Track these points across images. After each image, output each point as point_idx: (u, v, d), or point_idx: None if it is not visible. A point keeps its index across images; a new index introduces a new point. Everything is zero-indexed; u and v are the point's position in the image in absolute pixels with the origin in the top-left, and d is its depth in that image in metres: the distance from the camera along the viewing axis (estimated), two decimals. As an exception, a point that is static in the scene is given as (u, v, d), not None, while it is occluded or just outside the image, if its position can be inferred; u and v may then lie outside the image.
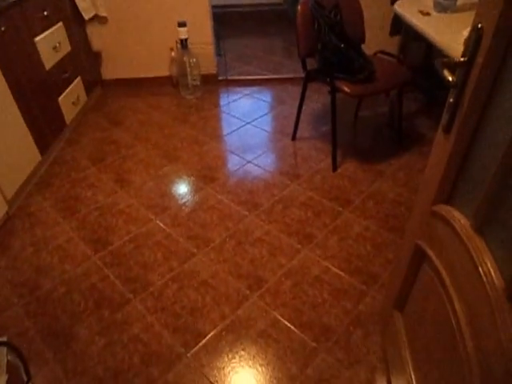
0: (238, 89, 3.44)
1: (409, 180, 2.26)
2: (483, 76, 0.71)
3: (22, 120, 2.19)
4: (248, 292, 1.64)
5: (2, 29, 2.04)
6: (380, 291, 1.63)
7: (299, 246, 1.85)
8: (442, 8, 2.19)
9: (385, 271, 1.72)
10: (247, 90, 3.41)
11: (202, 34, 3.23)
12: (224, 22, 4.89)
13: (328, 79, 2.19)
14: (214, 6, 3.41)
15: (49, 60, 2.52)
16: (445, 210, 0.88)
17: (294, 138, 2.70)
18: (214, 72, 3.45)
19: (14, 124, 2.14)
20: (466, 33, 1.78)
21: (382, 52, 2.58)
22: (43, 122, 2.44)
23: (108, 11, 3.12)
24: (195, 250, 1.86)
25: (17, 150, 2.15)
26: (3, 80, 2.03)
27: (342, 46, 2.09)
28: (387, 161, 2.44)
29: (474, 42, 0.72)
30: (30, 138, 2.27)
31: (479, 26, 0.71)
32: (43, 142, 2.43)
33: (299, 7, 2.25)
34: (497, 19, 0.64)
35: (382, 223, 1.97)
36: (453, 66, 0.80)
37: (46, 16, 2.49)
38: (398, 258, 1.22)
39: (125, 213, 2.11)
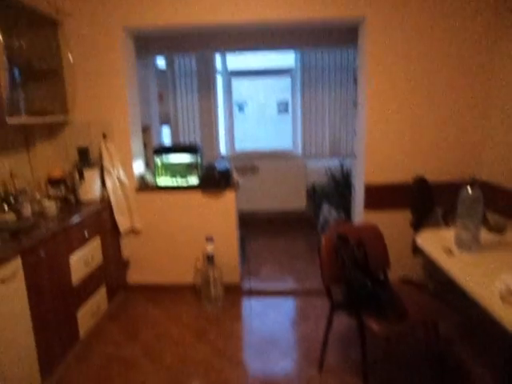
0: (261, 299, 3.36)
1: None
2: None
3: (31, 334, 2.08)
4: None
5: (42, 255, 2.15)
6: None
7: None
8: (464, 246, 2.20)
9: None
10: (270, 301, 3.32)
11: (228, 247, 3.37)
12: (250, 225, 5.22)
13: (354, 314, 2.08)
14: (240, 210, 3.67)
15: (78, 274, 2.58)
16: None
17: (320, 367, 2.44)
18: (237, 281, 3.45)
19: (21, 337, 2.01)
20: (499, 283, 1.71)
21: (408, 280, 2.53)
22: (54, 338, 2.32)
23: (142, 224, 3.36)
24: None
25: (15, 369, 1.96)
26: (24, 288, 2.00)
27: (369, 283, 2.06)
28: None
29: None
30: (34, 357, 2.10)
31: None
32: (48, 360, 2.25)
33: (323, 240, 2.32)
34: None
35: None
36: None
37: (86, 235, 2.67)
38: None
39: None
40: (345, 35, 4.24)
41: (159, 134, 4.80)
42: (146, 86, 4.18)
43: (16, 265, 1.95)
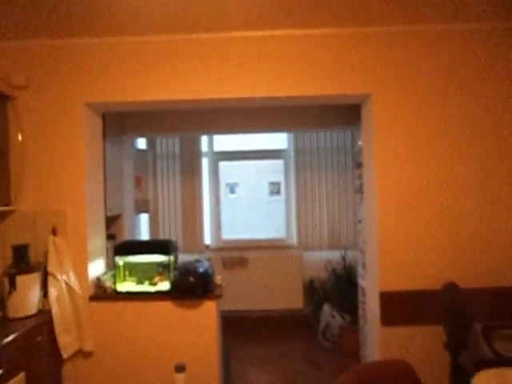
0: None
1: None
2: None
3: None
4: None
5: None
6: None
7: None
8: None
9: None
10: None
11: (205, 378, 2.56)
12: (236, 329, 4.38)
13: None
14: (225, 312, 2.95)
15: None
16: None
17: None
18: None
19: None
20: None
21: None
22: None
23: (94, 344, 2.58)
24: None
25: None
26: None
27: None
28: None
29: None
30: None
31: None
32: None
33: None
34: None
35: None
36: None
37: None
38: None
39: None
40: (342, 116, 3.88)
41: (134, 223, 4.17)
42: (118, 168, 3.66)
43: None
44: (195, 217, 4.66)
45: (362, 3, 2.29)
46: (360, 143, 3.17)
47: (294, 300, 4.66)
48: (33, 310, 2.32)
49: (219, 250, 4.77)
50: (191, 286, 2.53)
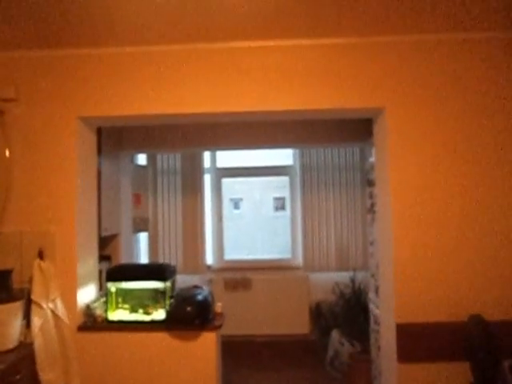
0: None
1: None
2: None
3: None
4: None
5: None
6: None
7: None
8: None
9: None
10: None
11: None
12: (238, 355, 4.11)
13: None
14: (226, 336, 2.73)
15: None
16: None
17: None
18: None
19: None
20: None
21: None
22: None
23: (82, 380, 2.34)
24: None
25: None
26: None
27: None
28: None
29: None
30: None
31: None
32: None
33: None
34: None
35: None
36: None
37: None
38: None
39: None
40: (351, 131, 3.69)
41: (132, 243, 3.97)
42: (115, 185, 3.48)
43: None
44: (197, 236, 4.45)
45: (374, 13, 2.11)
46: (371, 160, 2.97)
47: (300, 325, 4.41)
48: (12, 344, 2.10)
49: (221, 270, 4.56)
50: (188, 316, 2.31)
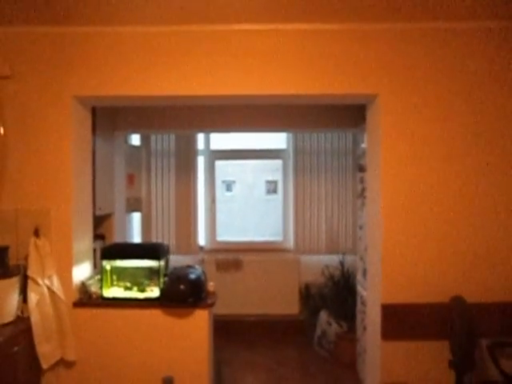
0: None
1: None
2: None
3: None
4: None
5: None
6: None
7: None
8: None
9: None
10: None
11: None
12: (229, 334, 4.22)
13: None
14: (217, 316, 2.84)
15: None
16: None
17: None
18: None
19: None
20: None
21: None
22: None
23: (77, 353, 2.42)
24: None
25: None
26: None
27: None
28: None
29: None
30: None
31: None
32: None
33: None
34: None
35: None
36: None
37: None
38: None
39: None
40: (344, 117, 3.73)
41: (125, 222, 4.01)
42: (109, 165, 3.49)
43: None
44: (189, 217, 4.49)
45: (368, 0, 2.13)
46: (363, 145, 3.02)
47: (290, 305, 4.51)
48: (10, 318, 2.16)
49: (213, 251, 4.62)
50: (182, 294, 2.38)
